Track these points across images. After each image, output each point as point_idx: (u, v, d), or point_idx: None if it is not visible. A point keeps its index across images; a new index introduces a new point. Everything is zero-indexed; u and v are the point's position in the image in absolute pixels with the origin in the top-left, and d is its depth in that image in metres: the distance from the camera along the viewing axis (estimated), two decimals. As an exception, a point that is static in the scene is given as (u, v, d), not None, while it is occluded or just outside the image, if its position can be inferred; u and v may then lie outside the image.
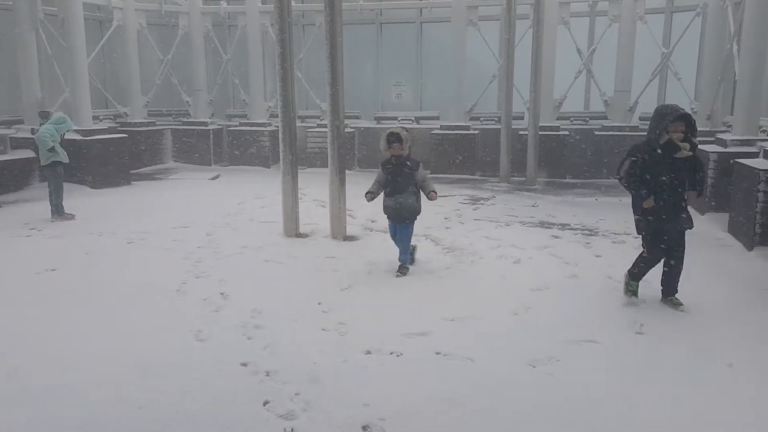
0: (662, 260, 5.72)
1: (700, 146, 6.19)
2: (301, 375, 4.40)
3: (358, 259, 7.31)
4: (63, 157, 9.50)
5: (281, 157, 8.44)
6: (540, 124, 13.14)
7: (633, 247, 7.82)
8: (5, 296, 6.16)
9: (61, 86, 13.26)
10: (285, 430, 3.74)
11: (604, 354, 4.80)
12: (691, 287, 5.87)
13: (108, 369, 4.53)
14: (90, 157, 12.31)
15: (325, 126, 10.21)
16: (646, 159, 5.45)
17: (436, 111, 15.42)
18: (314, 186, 11.50)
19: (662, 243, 5.60)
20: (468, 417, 3.87)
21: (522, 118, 14.30)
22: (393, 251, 6.91)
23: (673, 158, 5.38)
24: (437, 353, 4.78)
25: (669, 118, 5.32)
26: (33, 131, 11.40)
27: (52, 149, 9.32)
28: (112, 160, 12.79)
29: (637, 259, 5.84)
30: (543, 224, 9.23)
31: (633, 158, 5.52)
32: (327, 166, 8.35)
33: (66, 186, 9.84)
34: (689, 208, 5.63)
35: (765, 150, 8.41)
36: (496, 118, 14.75)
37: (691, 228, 5.58)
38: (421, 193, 6.78)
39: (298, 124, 11.94)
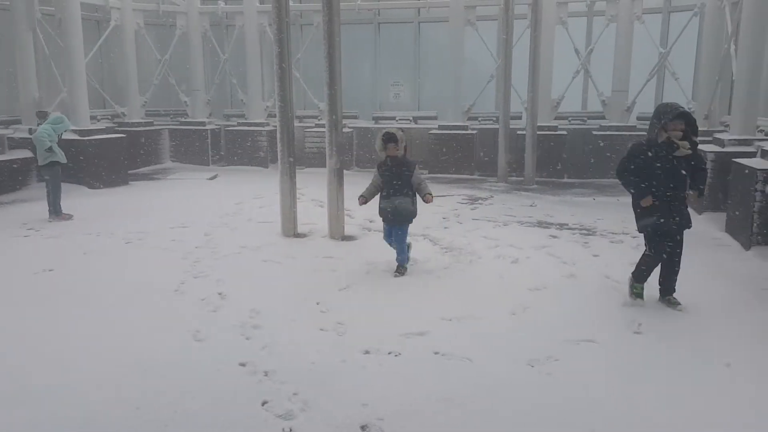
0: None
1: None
2: (299, 375, 4.41)
3: (357, 259, 7.32)
4: (60, 157, 9.49)
5: (279, 157, 8.44)
6: (538, 124, 13.15)
7: (631, 246, 7.85)
8: (3, 296, 6.15)
9: (59, 86, 13.25)
10: (283, 430, 3.74)
11: (603, 353, 4.81)
12: (689, 287, 5.88)
13: (106, 369, 4.52)
14: (88, 157, 12.30)
15: (323, 126, 10.23)
16: (645, 158, 5.44)
17: (434, 111, 15.43)
18: (312, 186, 11.49)
19: (664, 241, 5.57)
20: (466, 417, 3.88)
21: (520, 118, 14.31)
22: (391, 251, 6.92)
23: (672, 157, 5.37)
24: (436, 353, 4.79)
25: (668, 116, 5.29)
26: (30, 131, 11.40)
27: (49, 149, 9.31)
28: (110, 160, 12.77)
29: (640, 260, 5.80)
30: (541, 224, 9.24)
31: (633, 157, 5.52)
32: (325, 166, 8.35)
33: (64, 186, 9.83)
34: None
35: (762, 150, 8.42)
36: (494, 118, 14.76)
37: (689, 227, 5.58)
38: (417, 195, 6.71)
39: (296, 124, 11.92)
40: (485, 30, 14.62)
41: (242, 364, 4.58)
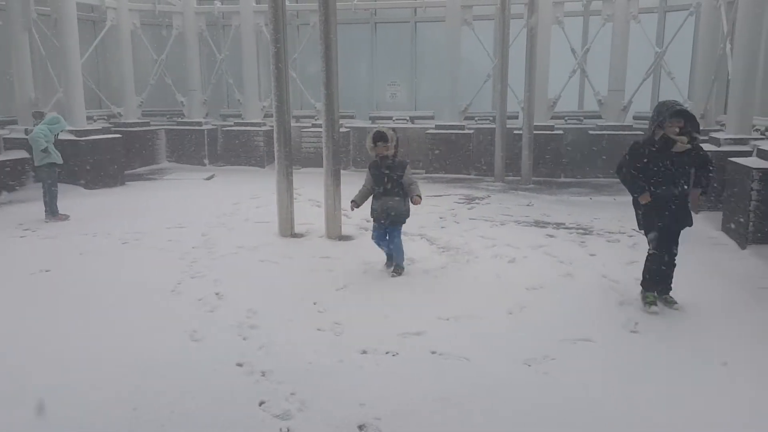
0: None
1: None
2: (296, 375, 4.40)
3: (354, 258, 7.31)
4: (56, 157, 9.47)
5: (276, 157, 8.43)
6: (534, 124, 13.17)
7: (627, 245, 7.86)
8: (0, 297, 6.13)
9: (55, 86, 13.21)
10: (281, 430, 3.74)
11: (600, 353, 4.81)
12: (685, 286, 5.89)
13: (104, 369, 4.52)
14: (84, 158, 12.27)
15: (319, 126, 10.20)
16: (644, 155, 5.41)
17: (431, 111, 15.44)
18: (309, 186, 11.48)
19: (665, 237, 5.54)
20: (464, 416, 3.88)
21: (516, 117, 14.32)
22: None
23: (671, 153, 5.33)
24: (433, 353, 4.79)
25: (665, 114, 5.28)
26: (27, 132, 11.36)
27: (45, 150, 9.29)
28: (106, 160, 12.74)
29: (645, 264, 5.71)
30: (538, 223, 9.25)
31: (632, 155, 5.51)
32: (322, 166, 8.34)
33: (60, 186, 9.82)
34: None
35: (758, 149, 8.45)
36: (491, 118, 14.75)
37: (689, 225, 5.55)
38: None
39: (293, 124, 11.91)
40: (482, 30, 14.64)
41: (239, 365, 4.58)
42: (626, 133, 13.55)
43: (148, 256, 7.57)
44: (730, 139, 9.58)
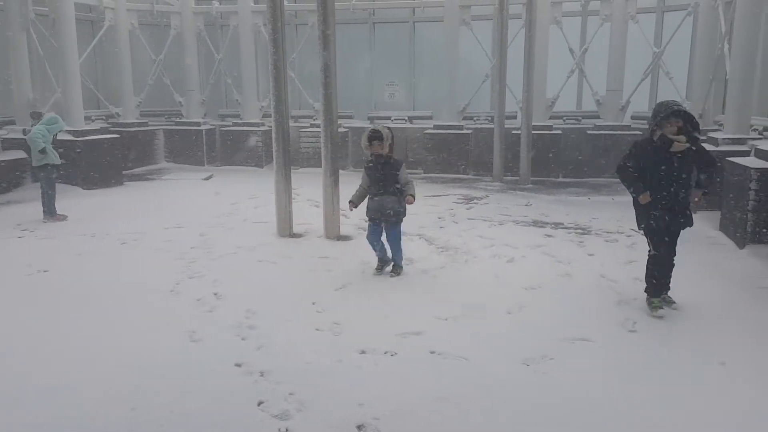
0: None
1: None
2: (295, 375, 4.40)
3: (352, 258, 7.31)
4: (54, 158, 9.45)
5: (274, 157, 8.43)
6: (533, 124, 13.16)
7: (626, 245, 7.87)
8: (-3, 298, 6.14)
9: (53, 87, 13.21)
10: (279, 430, 3.73)
11: (598, 352, 4.82)
12: (684, 285, 5.89)
13: (102, 369, 4.51)
14: (82, 158, 12.26)
15: (318, 126, 10.23)
16: (644, 156, 5.38)
17: (429, 111, 15.45)
18: (307, 186, 11.47)
19: (665, 238, 5.51)
20: (462, 416, 3.88)
21: (515, 117, 14.32)
22: (386, 251, 6.88)
23: (670, 153, 5.29)
24: (431, 352, 4.79)
25: (662, 114, 5.25)
26: (25, 132, 11.34)
27: (43, 151, 9.27)
28: (105, 160, 12.73)
29: (647, 267, 5.67)
30: (536, 223, 9.26)
31: (632, 155, 5.48)
32: (320, 166, 8.34)
33: (58, 187, 9.81)
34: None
35: (756, 148, 8.46)
36: (489, 118, 14.79)
37: (690, 226, 5.51)
38: None
39: (291, 124, 11.93)
40: (480, 30, 14.64)
41: (238, 365, 4.57)
42: (624, 132, 13.58)
43: (146, 256, 7.56)
44: (728, 138, 9.59)
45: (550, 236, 8.44)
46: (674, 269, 5.69)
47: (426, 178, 13.87)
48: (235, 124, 16.13)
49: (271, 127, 8.49)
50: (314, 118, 15.40)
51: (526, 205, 10.80)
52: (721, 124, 11.39)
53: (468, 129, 14.64)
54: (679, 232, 5.57)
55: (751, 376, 4.40)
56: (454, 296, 6.05)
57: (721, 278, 6.58)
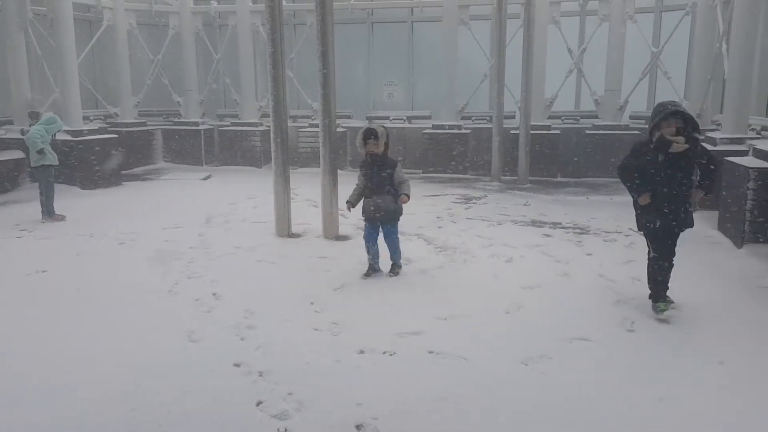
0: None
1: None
2: (294, 375, 4.41)
3: (351, 258, 7.31)
4: (52, 159, 9.44)
5: (273, 157, 8.43)
6: (531, 123, 13.16)
7: (624, 245, 7.88)
8: (-4, 298, 6.13)
9: (51, 87, 13.19)
10: (278, 430, 3.74)
11: (597, 352, 4.82)
12: (682, 285, 5.89)
13: (101, 370, 4.51)
14: (80, 158, 12.25)
15: (316, 126, 10.21)
16: (644, 156, 5.34)
17: (428, 110, 15.44)
18: (306, 186, 11.48)
19: (665, 238, 5.47)
20: (461, 416, 3.89)
21: (513, 117, 14.33)
22: (385, 251, 6.86)
23: (668, 155, 5.24)
24: (430, 352, 4.80)
25: (660, 115, 5.21)
26: (23, 132, 11.34)
27: (41, 151, 9.26)
28: (103, 160, 12.71)
29: (648, 274, 5.63)
30: (535, 223, 9.27)
31: (633, 156, 5.45)
32: (318, 166, 8.34)
33: (56, 187, 9.80)
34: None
35: (754, 148, 8.47)
36: (488, 118, 14.79)
37: (691, 227, 5.47)
38: None
39: (290, 123, 11.92)
40: (478, 29, 14.65)
41: (237, 365, 4.58)
42: (623, 132, 13.58)
43: (144, 256, 7.56)
44: (727, 138, 9.59)
45: (548, 236, 8.45)
46: (672, 269, 5.68)
47: (424, 178, 13.88)
48: (233, 124, 16.11)
49: (269, 127, 8.49)
50: (313, 118, 15.39)
51: (525, 204, 10.81)
52: (719, 124, 11.40)
53: (466, 129, 14.64)
54: (680, 233, 5.52)
55: (750, 375, 4.41)
56: (453, 296, 6.05)
57: (720, 278, 6.59)
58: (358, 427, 3.75)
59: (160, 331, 5.22)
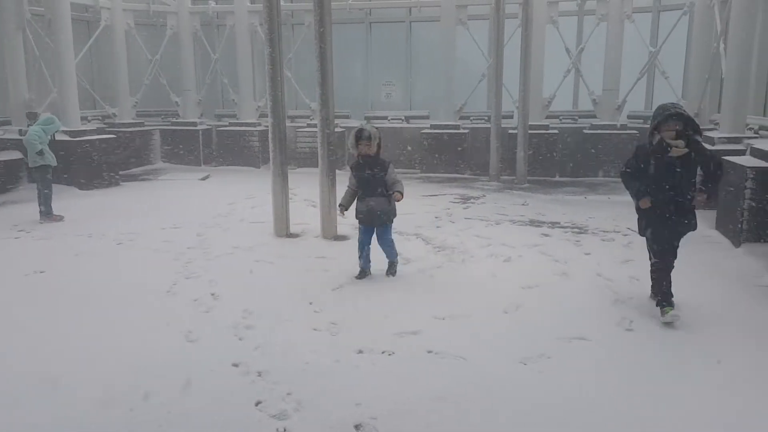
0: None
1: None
2: (292, 375, 4.41)
3: (349, 258, 7.30)
4: (51, 160, 9.43)
5: (271, 157, 8.43)
6: (529, 123, 13.17)
7: (622, 244, 7.89)
8: (-6, 299, 6.13)
9: (49, 87, 13.17)
10: (277, 430, 3.74)
11: (595, 351, 4.83)
12: (680, 284, 5.87)
13: (100, 370, 4.51)
14: (78, 158, 12.23)
15: (314, 126, 10.22)
16: (645, 160, 5.31)
17: (426, 110, 15.45)
18: (304, 186, 11.48)
19: (666, 242, 5.40)
20: (460, 415, 3.89)
21: (511, 117, 14.35)
22: (380, 254, 6.80)
23: (669, 158, 5.19)
24: (429, 352, 4.80)
25: (659, 118, 5.16)
26: (21, 132, 11.33)
27: (40, 152, 9.26)
28: (101, 160, 12.70)
29: (652, 280, 5.58)
30: (533, 223, 9.28)
31: (635, 158, 5.42)
32: (317, 166, 8.34)
33: (55, 187, 9.79)
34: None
35: (752, 147, 8.49)
36: (486, 117, 14.80)
37: (693, 230, 5.42)
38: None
39: (288, 124, 11.92)
40: (476, 29, 14.65)
41: (235, 365, 4.58)
42: (621, 132, 13.61)
43: (143, 256, 7.56)
44: (724, 137, 9.60)
45: (546, 235, 8.45)
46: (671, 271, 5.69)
47: (423, 178, 13.89)
48: (231, 124, 16.10)
49: (267, 127, 8.48)
50: (311, 118, 15.39)
51: (523, 204, 10.82)
52: (717, 123, 11.42)
53: (465, 129, 14.65)
54: (681, 237, 5.46)
55: (749, 374, 4.42)
56: (452, 296, 6.06)
57: (718, 277, 6.60)
58: (357, 426, 3.76)
59: (158, 332, 5.22)
